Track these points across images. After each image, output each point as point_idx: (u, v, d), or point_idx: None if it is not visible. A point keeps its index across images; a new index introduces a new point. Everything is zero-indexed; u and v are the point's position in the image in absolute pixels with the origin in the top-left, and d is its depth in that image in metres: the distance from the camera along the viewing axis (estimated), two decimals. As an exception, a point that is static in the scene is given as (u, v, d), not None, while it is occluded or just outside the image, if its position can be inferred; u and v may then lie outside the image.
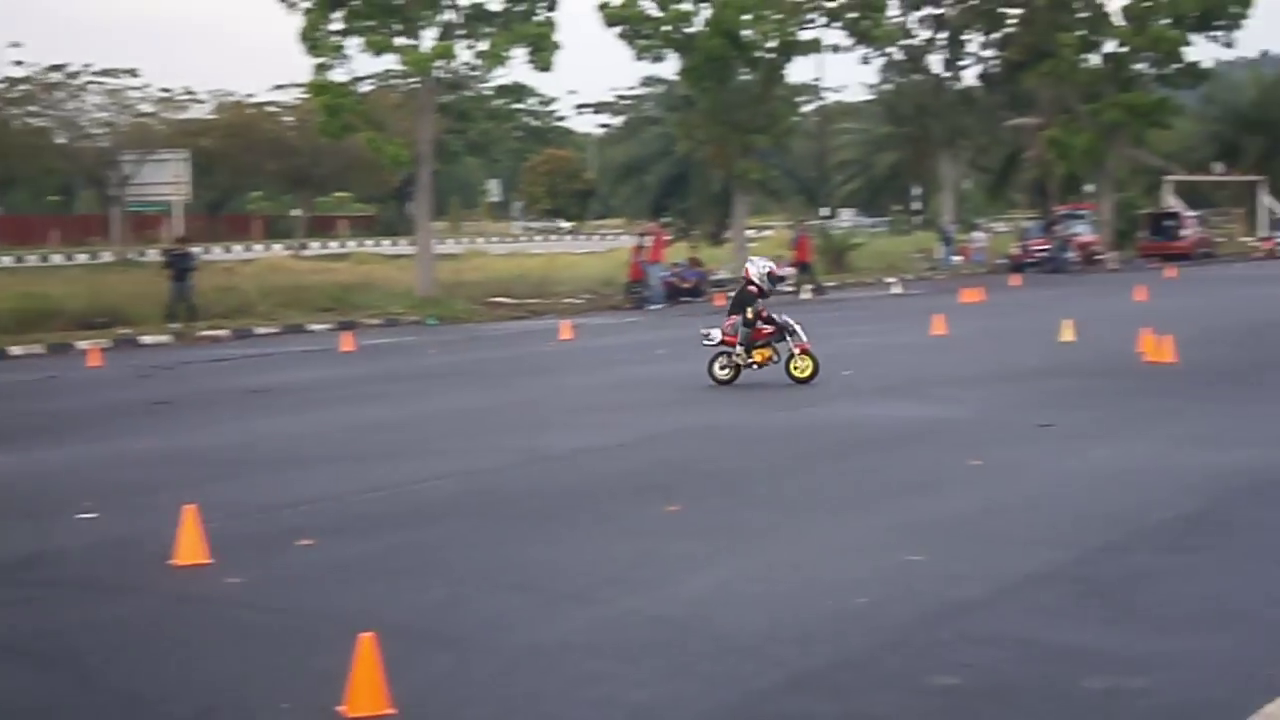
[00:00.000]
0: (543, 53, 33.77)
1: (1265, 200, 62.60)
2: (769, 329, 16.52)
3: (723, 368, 16.58)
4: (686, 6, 40.24)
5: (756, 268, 17.23)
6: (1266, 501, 9.41)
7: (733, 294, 16.82)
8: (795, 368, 16.42)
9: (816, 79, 48.59)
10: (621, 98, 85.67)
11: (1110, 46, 52.12)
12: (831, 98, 57.26)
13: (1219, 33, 51.49)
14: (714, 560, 8.33)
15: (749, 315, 16.41)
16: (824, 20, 43.22)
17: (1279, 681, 5.79)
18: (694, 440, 13.12)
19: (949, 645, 6.52)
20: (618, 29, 40.66)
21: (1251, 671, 5.97)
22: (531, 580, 8.04)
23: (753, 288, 16.76)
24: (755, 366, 16.46)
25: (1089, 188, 57.10)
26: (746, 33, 40.03)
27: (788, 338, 16.44)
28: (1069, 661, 6.22)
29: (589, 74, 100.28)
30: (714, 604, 7.39)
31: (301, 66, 57.35)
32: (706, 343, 16.77)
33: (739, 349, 16.49)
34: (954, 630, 6.73)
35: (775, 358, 16.46)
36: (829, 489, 10.54)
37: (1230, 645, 6.36)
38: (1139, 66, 52.10)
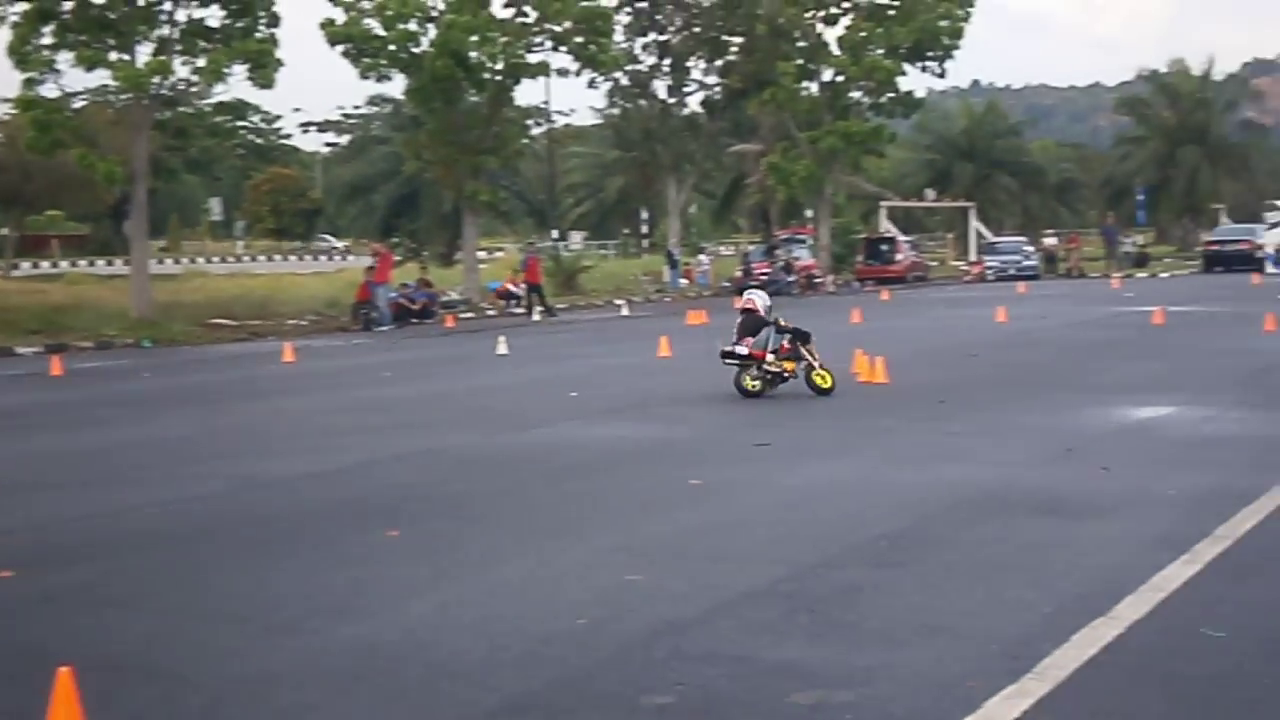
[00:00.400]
0: (264, 70, 33.12)
1: (975, 225, 65.41)
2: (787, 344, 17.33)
3: (754, 379, 17.16)
4: (413, 27, 39.97)
5: (762, 300, 18.27)
6: (966, 518, 9.77)
7: (740, 320, 17.66)
8: (818, 376, 17.13)
9: (545, 102, 48.82)
10: (348, 116, 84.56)
11: (828, 75, 53.80)
12: (561, 121, 57.57)
13: (931, 63, 53.67)
14: (433, 585, 8.23)
15: (782, 323, 17.35)
16: (550, 44, 43.44)
17: (978, 695, 5.99)
18: (417, 464, 12.98)
19: (664, 664, 6.56)
20: (342, 48, 40.14)
21: (952, 684, 6.17)
22: (243, 610, 7.80)
23: (760, 315, 17.56)
24: (787, 376, 17.17)
25: (809, 213, 58.80)
26: (473, 54, 39.99)
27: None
28: (779, 677, 6.33)
29: (315, 91, 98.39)
30: (431, 629, 7.29)
31: (10, 81, 54.88)
32: (730, 361, 17.33)
33: (770, 359, 17.15)
34: (669, 649, 6.78)
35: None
36: (551, 511, 10.53)
37: (932, 658, 6.55)
38: (855, 95, 53.91)
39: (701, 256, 56.20)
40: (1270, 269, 52.16)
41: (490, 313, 39.37)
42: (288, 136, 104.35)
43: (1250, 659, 6.48)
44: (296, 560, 9.02)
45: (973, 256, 61.91)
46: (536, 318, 36.89)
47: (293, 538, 9.70)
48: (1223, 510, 9.59)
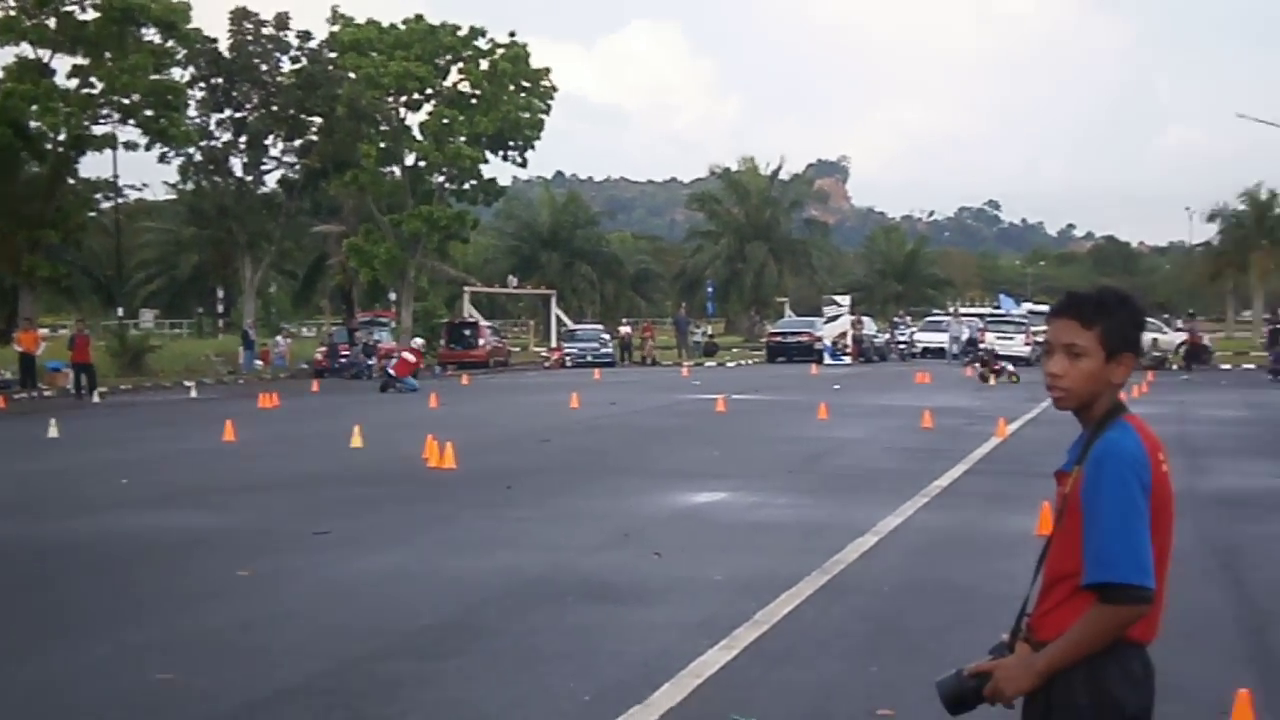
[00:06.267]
0: None
1: (556, 312, 66.63)
2: None
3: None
4: (-31, 92, 37.80)
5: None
6: (517, 606, 9.72)
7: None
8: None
9: (115, 175, 46.80)
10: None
11: (411, 160, 53.92)
12: (133, 195, 55.28)
13: (513, 152, 54.57)
14: (-64, 692, 7.53)
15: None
16: (118, 116, 41.84)
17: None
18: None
19: (184, 772, 6.17)
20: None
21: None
22: None
23: None
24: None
25: (392, 296, 58.53)
26: (33, 124, 38.08)
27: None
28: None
29: None
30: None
31: None
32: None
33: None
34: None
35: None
36: (82, 606, 9.87)
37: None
38: (439, 180, 54.21)
39: (279, 338, 55.03)
40: (828, 360, 55.19)
41: (48, 394, 37.28)
42: None
43: (776, 743, 6.63)
44: None
45: (553, 343, 63.00)
46: (97, 399, 35.14)
47: None
48: (764, 595, 9.87)
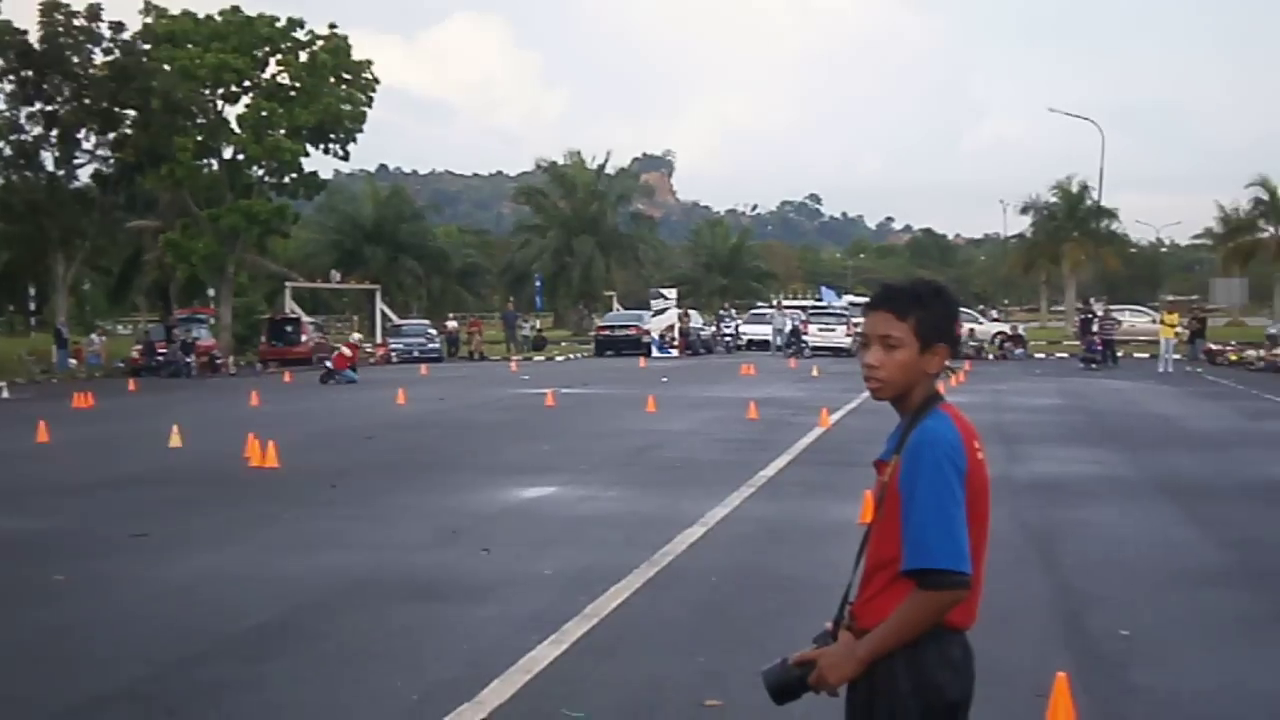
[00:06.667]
0: None
1: (381, 307, 65.93)
2: None
3: None
4: None
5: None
6: (343, 606, 9.59)
7: None
8: None
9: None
10: None
11: (229, 153, 52.88)
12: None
13: (335, 145, 53.82)
14: None
15: None
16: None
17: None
18: None
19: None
20: None
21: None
22: None
23: None
24: None
25: (211, 292, 57.38)
26: None
27: None
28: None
29: None
30: None
31: None
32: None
33: None
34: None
35: None
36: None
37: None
38: (258, 174, 53.24)
39: (93, 336, 53.57)
40: (656, 353, 55.55)
41: None
42: None
43: (606, 736, 6.65)
44: None
45: (378, 338, 62.33)
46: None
47: None
48: (593, 589, 9.89)
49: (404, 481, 16.52)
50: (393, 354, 55.78)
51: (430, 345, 57.18)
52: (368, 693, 7.41)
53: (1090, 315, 48.51)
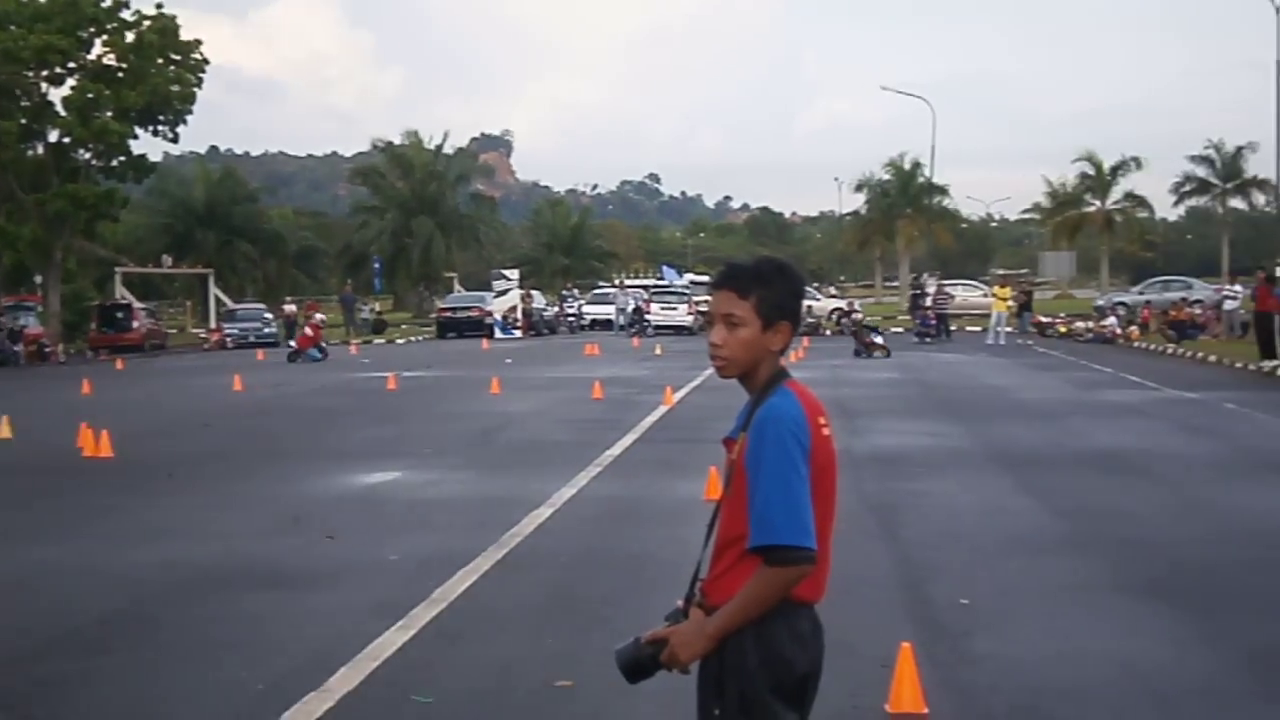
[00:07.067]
0: None
1: (215, 292, 64.71)
2: None
3: None
4: None
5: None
6: (185, 596, 9.42)
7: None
8: None
9: None
10: None
11: (54, 137, 51.43)
12: None
13: (164, 127, 52.58)
14: None
15: None
16: None
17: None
18: None
19: None
20: None
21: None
22: None
23: None
24: None
25: (38, 279, 55.82)
26: None
27: None
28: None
29: None
30: None
31: None
32: None
33: None
34: None
35: None
36: None
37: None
38: (85, 157, 51.87)
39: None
40: (499, 334, 55.36)
41: None
42: None
43: (457, 720, 6.63)
44: None
45: (213, 324, 61.17)
46: None
47: None
48: (441, 573, 9.83)
49: (243, 469, 16.26)
50: (228, 339, 54.75)
51: (267, 330, 56.21)
52: (212, 683, 7.29)
53: (922, 291, 49.52)
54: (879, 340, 38.33)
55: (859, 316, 47.75)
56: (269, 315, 58.98)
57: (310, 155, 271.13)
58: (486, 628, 8.43)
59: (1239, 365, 32.57)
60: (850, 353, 38.00)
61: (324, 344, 42.31)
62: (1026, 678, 7.32)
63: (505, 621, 8.58)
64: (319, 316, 45.51)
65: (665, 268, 79.96)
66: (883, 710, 6.63)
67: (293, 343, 43.32)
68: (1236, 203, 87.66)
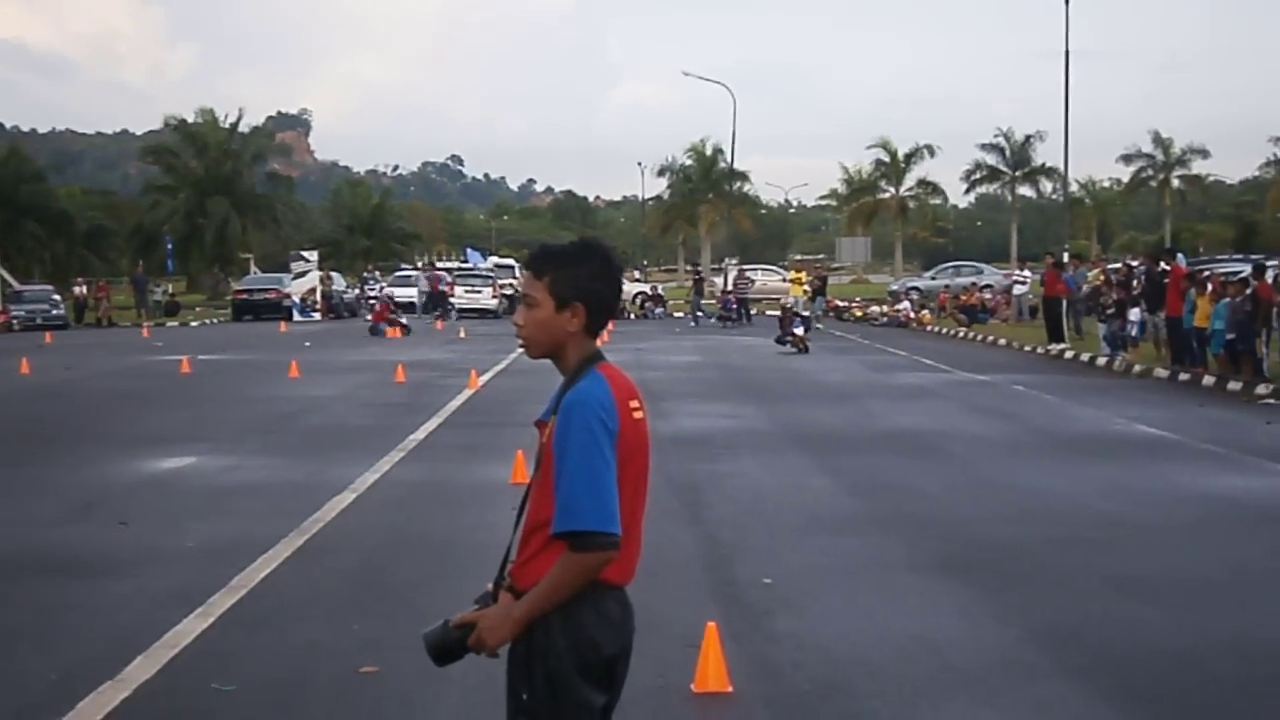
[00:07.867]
0: None
1: (1, 273, 62.39)
2: None
3: None
4: None
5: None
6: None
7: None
8: None
9: None
10: None
11: None
12: None
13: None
14: None
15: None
16: None
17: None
18: None
19: None
20: None
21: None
22: None
23: None
24: None
25: None
26: None
27: None
28: None
29: None
30: None
31: None
32: None
33: None
34: None
35: None
36: None
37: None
38: None
39: None
40: (298, 316, 54.43)
41: None
42: None
43: (260, 709, 6.52)
44: None
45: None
46: None
47: None
48: (240, 560, 9.64)
49: (30, 455, 15.71)
50: (14, 321, 52.81)
51: (55, 312, 54.34)
52: (4, 674, 7.07)
53: (700, 276, 50.40)
54: (800, 332, 33.51)
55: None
56: (57, 297, 57.01)
57: (99, 133, 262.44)
58: (288, 614, 8.30)
59: (1028, 349, 33.69)
60: (661, 331, 38.23)
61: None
62: (828, 655, 7.48)
63: (308, 608, 8.46)
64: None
65: (470, 251, 79.44)
66: (688, 690, 6.71)
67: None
68: (1026, 190, 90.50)
